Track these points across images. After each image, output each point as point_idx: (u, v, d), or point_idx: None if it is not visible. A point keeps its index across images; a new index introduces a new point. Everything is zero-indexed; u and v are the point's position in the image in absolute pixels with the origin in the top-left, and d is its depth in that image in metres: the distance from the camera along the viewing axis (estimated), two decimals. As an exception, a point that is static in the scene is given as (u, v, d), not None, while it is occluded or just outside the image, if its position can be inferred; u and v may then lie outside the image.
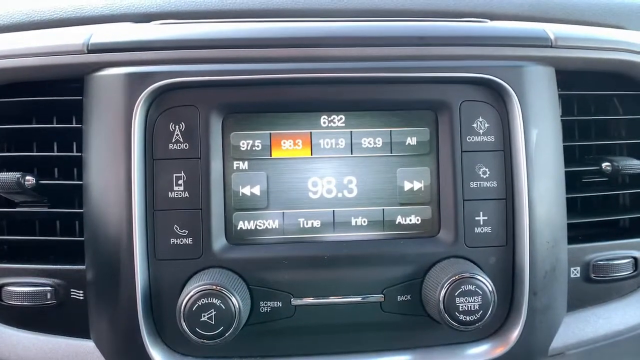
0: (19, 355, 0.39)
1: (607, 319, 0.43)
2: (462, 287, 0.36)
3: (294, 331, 0.38)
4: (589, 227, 0.45)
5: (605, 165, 0.44)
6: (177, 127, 0.38)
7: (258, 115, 0.39)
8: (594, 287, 0.44)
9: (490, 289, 0.36)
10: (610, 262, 0.44)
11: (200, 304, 0.35)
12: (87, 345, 0.39)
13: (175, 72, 0.37)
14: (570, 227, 0.43)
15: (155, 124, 0.37)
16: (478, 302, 0.36)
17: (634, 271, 0.44)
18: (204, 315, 0.35)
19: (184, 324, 0.35)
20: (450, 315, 0.36)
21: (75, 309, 0.40)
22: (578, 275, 0.43)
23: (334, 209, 0.40)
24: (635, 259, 0.44)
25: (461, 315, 0.36)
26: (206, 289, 0.35)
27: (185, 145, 0.38)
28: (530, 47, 0.41)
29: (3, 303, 0.40)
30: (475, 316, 0.36)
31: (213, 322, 0.35)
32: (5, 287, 0.40)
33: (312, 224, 0.40)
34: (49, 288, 0.39)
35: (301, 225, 0.39)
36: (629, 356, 0.44)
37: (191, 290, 0.35)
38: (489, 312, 0.36)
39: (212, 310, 0.35)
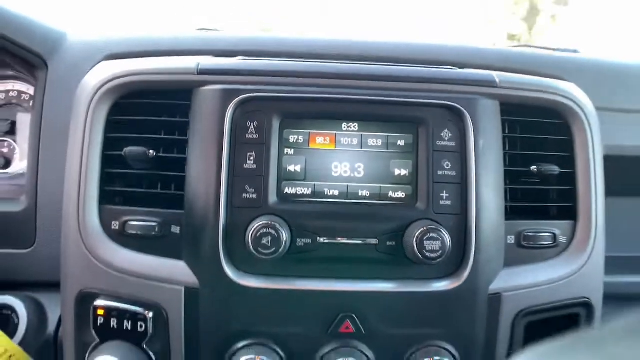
0: (135, 269, 0.59)
1: (533, 274, 0.62)
2: (429, 234, 0.56)
3: (318, 261, 0.58)
4: (525, 214, 0.65)
5: (533, 167, 0.64)
6: (252, 124, 0.59)
7: (303, 120, 0.60)
8: (524, 252, 0.63)
9: (447, 238, 0.56)
10: (537, 234, 0.63)
11: (262, 232, 0.55)
12: (180, 264, 0.59)
13: (252, 89, 0.59)
14: (511, 211, 0.63)
15: (239, 122, 0.59)
16: (439, 245, 0.56)
17: (554, 243, 0.64)
18: (264, 239, 0.55)
19: (251, 245, 0.55)
20: (421, 253, 0.56)
21: (173, 240, 0.60)
22: (513, 242, 0.63)
23: (348, 184, 0.60)
24: (554, 234, 0.64)
25: (427, 253, 0.56)
26: (265, 224, 0.55)
27: (256, 136, 0.59)
28: (481, 86, 0.62)
29: (126, 233, 0.60)
30: (437, 254, 0.55)
31: (269, 244, 0.55)
32: (128, 222, 0.60)
33: (333, 192, 0.60)
34: (156, 224, 0.60)
35: (325, 193, 0.60)
36: (543, 298, 0.62)
37: (256, 224, 0.55)
38: (446, 252, 0.56)
39: (269, 237, 0.55)
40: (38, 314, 0.71)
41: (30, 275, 0.72)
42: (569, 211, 0.65)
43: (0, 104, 0.88)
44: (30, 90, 0.86)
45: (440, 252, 0.55)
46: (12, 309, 0.72)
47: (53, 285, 0.67)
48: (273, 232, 0.55)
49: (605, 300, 0.67)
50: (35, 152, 0.73)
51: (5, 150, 0.87)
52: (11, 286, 0.72)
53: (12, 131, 0.86)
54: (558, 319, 0.63)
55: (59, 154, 0.67)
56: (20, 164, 0.85)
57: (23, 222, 0.72)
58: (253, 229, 0.55)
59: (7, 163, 0.86)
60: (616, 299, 0.75)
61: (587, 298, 0.63)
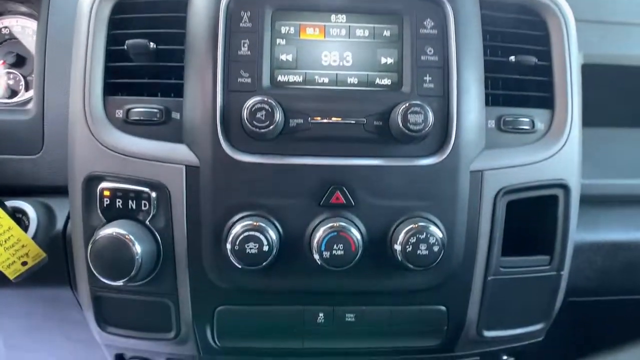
0: (139, 151, 0.63)
1: (512, 156, 0.66)
2: (412, 108, 0.59)
3: (310, 140, 0.62)
4: (505, 103, 0.68)
5: (511, 58, 0.68)
6: (245, 13, 0.63)
7: (293, 12, 0.64)
8: (504, 137, 0.67)
9: (430, 113, 0.59)
10: (516, 119, 0.67)
11: (257, 107, 0.58)
12: (181, 146, 0.63)
13: None
14: (492, 99, 0.67)
15: (233, 12, 0.62)
16: (422, 118, 0.59)
17: (532, 129, 0.68)
18: (258, 113, 0.59)
19: (246, 119, 0.59)
20: (405, 127, 0.59)
21: (174, 126, 0.64)
22: (493, 126, 0.67)
23: (337, 72, 0.64)
24: (532, 121, 0.68)
25: (411, 125, 0.59)
26: (260, 100, 0.59)
27: (250, 25, 0.62)
28: None
29: (129, 120, 0.64)
30: (420, 126, 0.59)
31: (263, 119, 0.58)
32: (132, 110, 0.64)
33: (323, 79, 0.64)
34: (157, 110, 0.64)
35: (316, 80, 0.64)
36: (522, 177, 0.66)
37: (251, 101, 0.59)
38: (429, 125, 0.59)
39: (263, 111, 0.59)
40: (47, 215, 0.75)
41: (39, 180, 0.76)
42: (546, 101, 0.69)
43: (6, 38, 0.92)
44: (34, 25, 0.90)
45: (423, 125, 0.59)
46: (23, 212, 0.76)
47: (61, 191, 0.71)
48: (267, 107, 0.59)
49: (583, 204, 0.71)
50: (41, 61, 0.76)
51: (11, 82, 0.91)
52: (22, 192, 0.76)
53: (17, 63, 0.91)
54: (538, 202, 0.67)
55: (65, 63, 0.71)
56: (25, 95, 0.89)
57: (31, 130, 0.76)
58: (248, 105, 0.59)
59: (14, 93, 0.91)
60: (593, 201, 0.79)
61: (564, 179, 0.67)
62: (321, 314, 0.66)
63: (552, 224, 0.68)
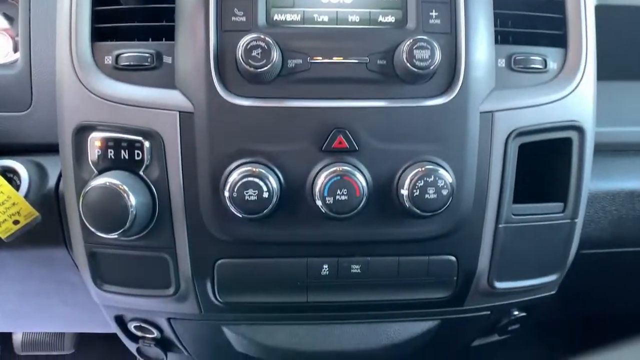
0: (130, 97, 0.59)
1: (524, 96, 0.62)
2: (418, 44, 0.56)
3: (309, 81, 0.58)
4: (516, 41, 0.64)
5: None
6: None
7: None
8: (515, 76, 0.63)
9: (437, 49, 0.56)
10: (528, 58, 0.63)
11: (252, 45, 0.55)
12: (174, 92, 0.59)
13: None
14: (502, 37, 0.63)
15: None
16: (428, 54, 0.55)
17: (544, 68, 0.64)
18: (254, 52, 0.55)
19: (242, 61, 0.55)
20: (410, 63, 0.56)
21: (166, 70, 0.60)
22: (503, 65, 0.63)
23: (337, 10, 0.60)
24: (545, 59, 0.64)
25: (417, 62, 0.56)
26: (255, 37, 0.55)
27: None
28: None
29: (119, 66, 0.60)
30: (427, 63, 0.56)
31: (259, 57, 0.55)
32: (121, 55, 0.60)
33: (322, 18, 0.60)
34: (148, 55, 0.60)
35: (315, 19, 0.60)
36: (535, 119, 0.63)
37: (246, 38, 0.55)
38: (436, 62, 0.56)
39: (259, 49, 0.55)
40: (39, 173, 0.72)
41: (29, 138, 0.73)
42: (559, 39, 0.65)
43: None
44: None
45: (430, 61, 0.55)
46: (14, 171, 0.73)
47: (52, 149, 0.68)
48: (263, 44, 0.55)
49: (597, 152, 0.67)
50: (26, 11, 0.73)
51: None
52: (12, 151, 0.73)
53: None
54: (551, 146, 0.64)
55: (52, 13, 0.67)
56: (12, 57, 0.85)
57: (18, 85, 0.73)
58: (243, 43, 0.55)
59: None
60: (607, 150, 0.76)
61: (578, 121, 0.63)
62: (325, 266, 0.63)
63: (566, 168, 0.65)
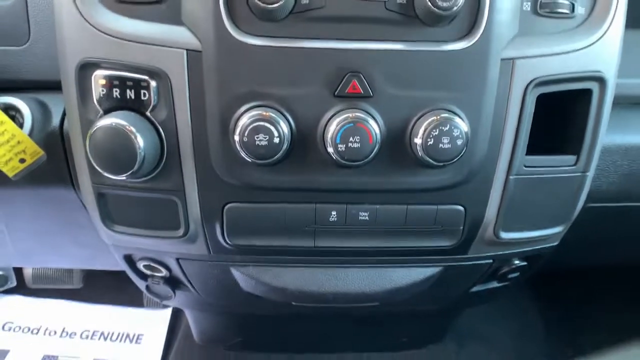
0: (134, 33, 0.56)
1: (547, 43, 0.59)
2: None
3: (324, 20, 0.55)
4: None
5: None
6: None
7: None
8: (540, 21, 0.59)
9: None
10: (555, 1, 0.59)
11: None
12: (181, 29, 0.56)
13: None
14: None
15: None
16: None
17: (571, 13, 0.60)
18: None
19: None
20: (433, 4, 0.52)
21: (171, 4, 0.56)
22: (529, 9, 0.59)
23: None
24: (573, 4, 0.60)
25: (440, 2, 0.52)
26: None
27: None
28: None
29: None
30: (450, 3, 0.52)
31: None
32: None
33: None
34: None
35: None
36: (556, 68, 0.60)
37: None
38: (460, 2, 0.52)
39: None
40: (42, 111, 0.71)
41: (29, 74, 0.70)
42: None
43: None
44: None
45: (453, 1, 0.52)
46: (16, 109, 0.71)
47: (54, 86, 0.66)
48: None
49: (614, 104, 0.65)
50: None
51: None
52: (12, 88, 0.71)
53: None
54: (569, 96, 0.62)
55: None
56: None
57: (14, 16, 0.69)
58: None
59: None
60: (624, 102, 0.73)
61: (602, 72, 0.61)
62: (334, 212, 0.64)
63: (582, 121, 0.64)
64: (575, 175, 0.66)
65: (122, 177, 0.58)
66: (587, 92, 0.62)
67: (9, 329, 1.50)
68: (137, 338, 1.50)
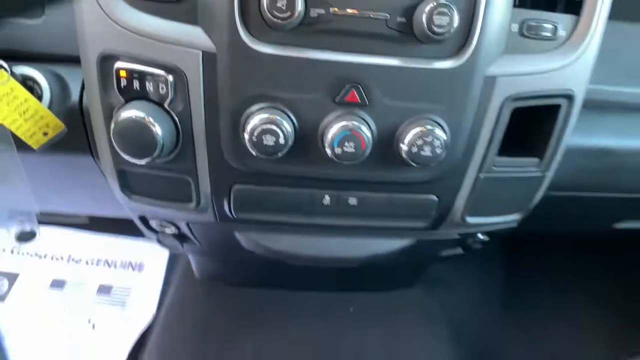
0: (153, 30, 0.60)
1: (528, 63, 0.66)
2: (439, 9, 0.57)
3: (330, 33, 0.60)
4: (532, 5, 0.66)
5: None
6: None
7: None
8: (524, 42, 0.65)
9: (456, 15, 0.57)
10: (540, 25, 0.65)
11: None
12: (197, 29, 0.61)
13: None
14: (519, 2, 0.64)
15: None
16: (447, 20, 0.57)
17: (553, 35, 0.66)
18: (279, 3, 0.56)
19: (267, 12, 0.56)
20: (429, 29, 0.58)
21: (188, 4, 0.60)
22: (516, 30, 0.65)
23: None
24: (555, 27, 0.66)
25: (435, 28, 0.57)
26: None
27: None
28: None
29: None
30: (444, 29, 0.57)
31: (284, 8, 0.56)
32: None
33: None
34: None
35: None
36: (533, 86, 0.68)
37: None
38: (453, 28, 0.58)
39: (284, 0, 0.56)
40: (59, 84, 0.75)
41: (46, 47, 0.74)
42: (574, 5, 0.66)
43: None
44: None
45: (448, 28, 0.58)
46: (34, 80, 0.75)
47: (68, 59, 0.70)
48: None
49: (583, 107, 0.73)
50: None
51: None
52: (29, 59, 0.75)
53: None
54: (540, 109, 0.70)
55: None
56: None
57: (29, -10, 0.71)
58: None
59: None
60: (593, 106, 0.81)
61: (572, 90, 0.68)
62: (327, 197, 0.73)
63: (548, 129, 0.72)
64: (537, 175, 0.76)
65: (143, 162, 0.66)
66: (556, 107, 0.70)
67: (17, 253, 1.63)
68: (140, 267, 1.65)
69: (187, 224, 0.84)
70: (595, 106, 0.82)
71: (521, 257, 1.59)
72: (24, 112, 0.69)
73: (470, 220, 0.80)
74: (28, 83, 0.75)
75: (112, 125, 0.63)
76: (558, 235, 1.41)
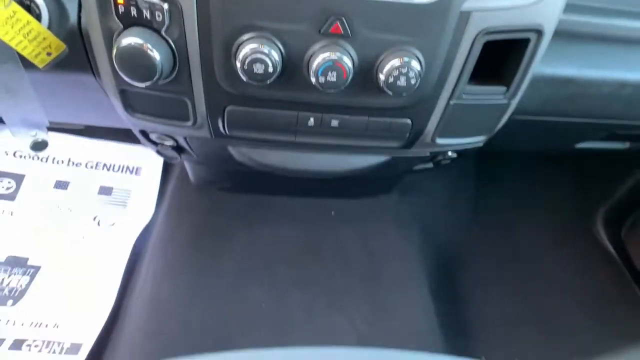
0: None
1: (501, 0, 0.71)
2: None
3: None
4: None
5: None
6: None
7: None
8: None
9: None
10: None
11: None
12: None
13: None
14: None
15: None
16: None
17: None
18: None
19: None
20: None
21: None
22: None
23: None
24: None
25: None
26: None
27: None
28: None
29: None
30: None
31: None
32: None
33: None
34: None
35: None
36: (505, 20, 0.73)
37: None
38: None
39: None
40: (56, 4, 0.77)
41: None
42: None
43: None
44: None
45: None
46: (31, 0, 0.77)
47: None
48: None
49: (553, 37, 0.78)
50: None
51: None
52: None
53: None
54: (510, 43, 0.76)
55: None
56: None
57: None
58: None
59: None
60: (563, 35, 0.86)
61: (542, 25, 0.74)
62: (311, 119, 0.82)
63: (516, 60, 0.78)
64: (503, 103, 0.84)
65: (143, 85, 0.72)
66: (525, 40, 0.76)
67: (20, 156, 1.71)
68: (137, 170, 1.76)
69: (185, 139, 0.92)
70: (564, 35, 0.88)
71: (491, 167, 1.74)
72: (27, 34, 0.73)
73: (440, 141, 0.89)
74: (25, 2, 0.77)
75: (114, 51, 0.68)
76: (524, 152, 1.53)
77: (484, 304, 1.49)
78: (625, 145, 1.29)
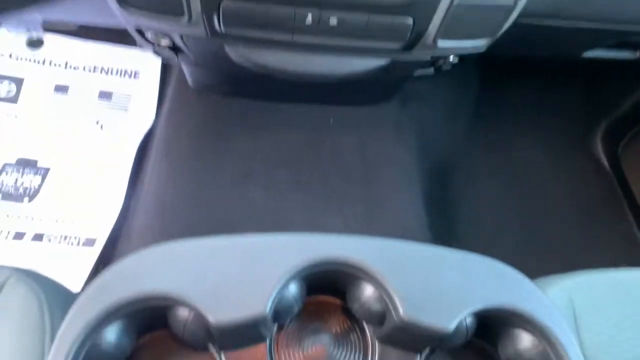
0: None
1: None
2: None
3: None
4: None
5: None
6: None
7: None
8: None
9: None
10: None
11: None
12: None
13: None
14: None
15: None
16: None
17: None
18: None
19: None
20: None
21: None
22: None
23: None
24: None
25: None
26: None
27: None
28: None
29: None
30: None
31: None
32: None
33: None
34: None
35: None
36: None
37: None
38: None
39: None
40: None
41: None
42: None
43: None
44: None
45: None
46: None
47: None
48: None
49: None
50: None
51: None
52: None
53: None
54: None
55: None
56: None
57: None
58: None
59: None
60: None
61: None
62: (309, 16, 0.79)
63: None
64: (509, 3, 0.81)
65: None
66: None
67: (17, 58, 1.68)
68: (135, 74, 1.73)
69: (181, 37, 0.90)
70: None
71: (494, 77, 1.70)
72: None
73: (441, 43, 0.87)
74: None
75: None
76: (530, 60, 1.49)
77: (474, 207, 1.56)
78: (635, 54, 1.25)
